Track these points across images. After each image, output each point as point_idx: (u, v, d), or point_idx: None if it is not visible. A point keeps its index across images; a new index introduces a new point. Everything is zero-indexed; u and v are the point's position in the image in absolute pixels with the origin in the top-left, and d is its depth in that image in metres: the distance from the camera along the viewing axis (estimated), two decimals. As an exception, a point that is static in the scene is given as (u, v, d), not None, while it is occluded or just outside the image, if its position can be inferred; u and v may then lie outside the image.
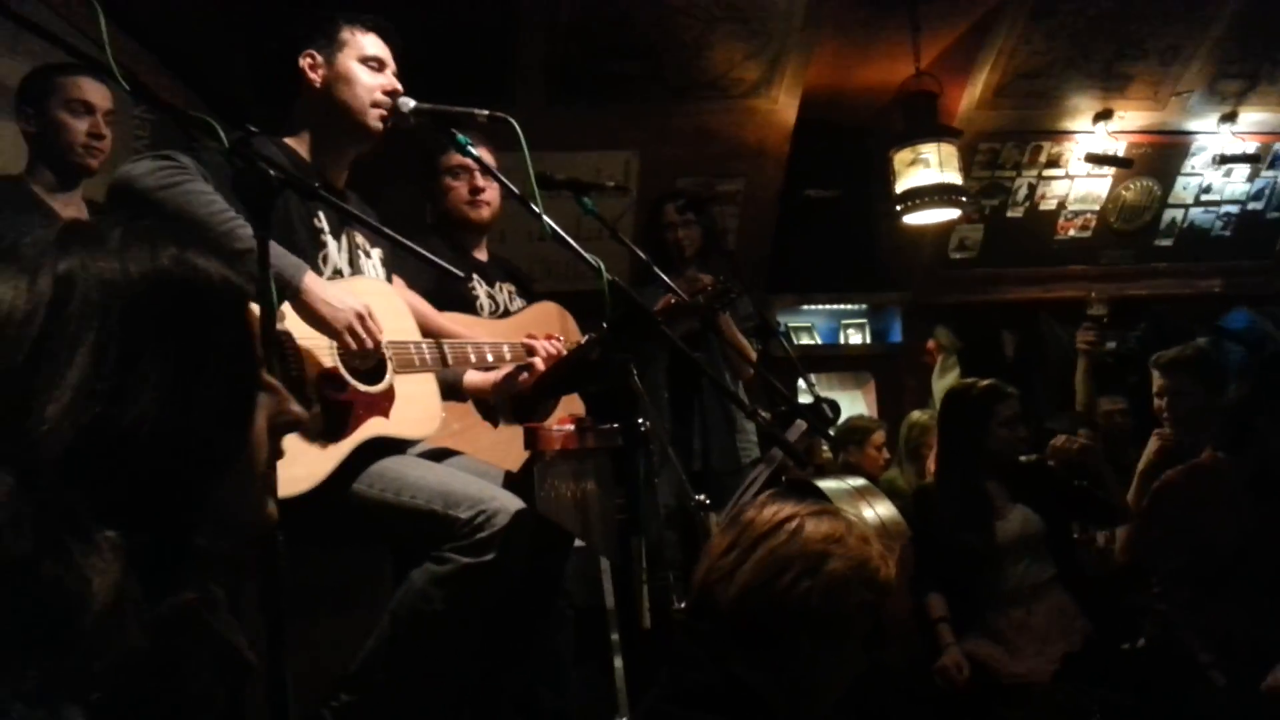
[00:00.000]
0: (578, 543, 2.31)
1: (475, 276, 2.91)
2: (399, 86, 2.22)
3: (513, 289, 3.02)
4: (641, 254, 2.90)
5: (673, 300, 2.90)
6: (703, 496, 2.20)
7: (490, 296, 2.92)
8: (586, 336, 2.46)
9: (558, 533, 2.15)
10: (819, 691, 1.48)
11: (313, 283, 1.92)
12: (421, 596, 1.97)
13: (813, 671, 1.45)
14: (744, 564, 1.43)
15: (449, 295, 2.70)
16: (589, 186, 2.58)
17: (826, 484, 3.68)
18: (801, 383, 5.85)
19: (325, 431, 1.95)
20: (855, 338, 6.07)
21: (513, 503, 2.04)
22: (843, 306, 6.03)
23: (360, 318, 1.94)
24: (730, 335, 3.65)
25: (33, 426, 0.69)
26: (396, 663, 2.00)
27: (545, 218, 2.12)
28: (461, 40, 4.34)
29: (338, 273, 2.19)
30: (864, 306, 6.07)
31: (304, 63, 2.22)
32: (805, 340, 5.98)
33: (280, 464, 1.64)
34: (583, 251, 2.09)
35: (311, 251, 2.12)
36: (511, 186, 2.18)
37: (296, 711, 1.67)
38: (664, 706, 1.42)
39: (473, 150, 2.17)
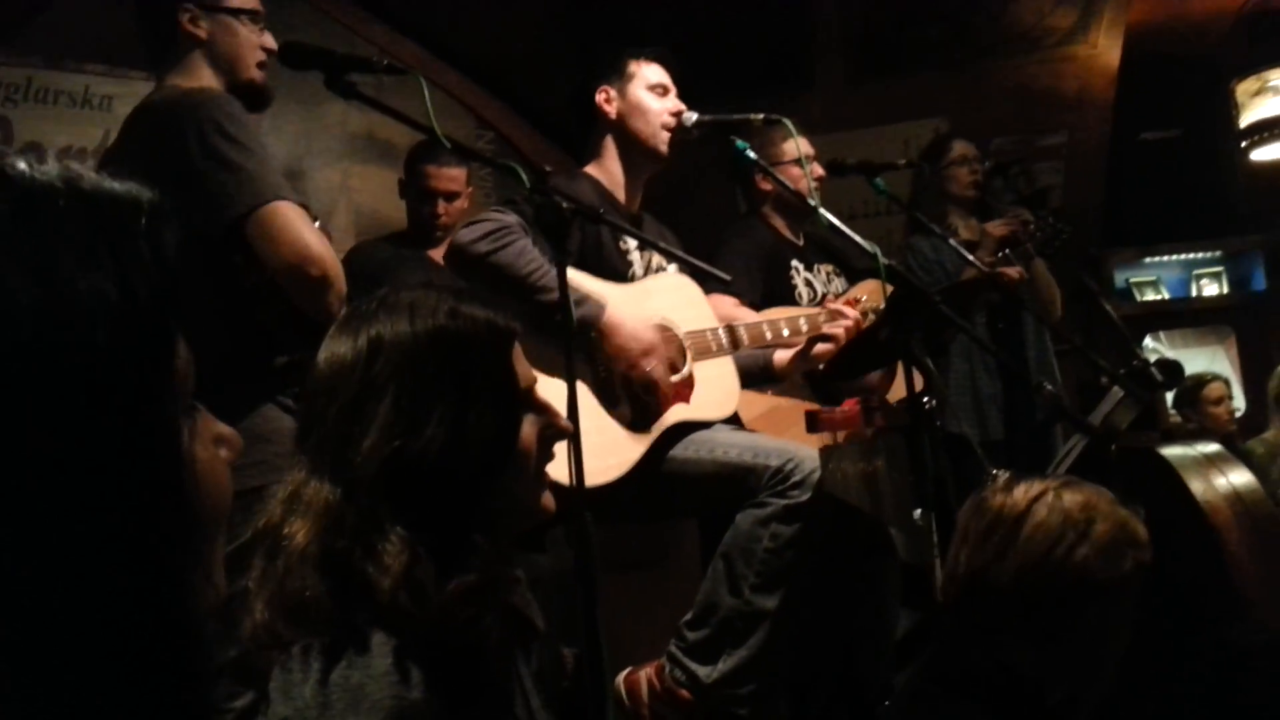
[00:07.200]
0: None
1: (794, 263, 3.01)
2: (682, 107, 2.43)
3: (831, 269, 3.09)
4: (936, 229, 2.93)
5: (971, 275, 2.88)
6: (999, 471, 2.22)
7: (808, 283, 3.01)
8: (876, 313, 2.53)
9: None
10: (1099, 664, 1.46)
11: (609, 320, 2.16)
12: (749, 536, 2.16)
13: (1097, 642, 1.44)
14: (1012, 545, 1.42)
15: (773, 286, 2.87)
16: (880, 167, 2.65)
17: (1171, 450, 3.46)
18: (1149, 341, 5.48)
19: (634, 422, 2.20)
20: (1210, 289, 5.55)
21: (818, 454, 2.19)
22: (1193, 255, 5.52)
23: (644, 356, 2.17)
24: (1043, 285, 3.48)
25: (353, 456, 0.96)
26: (734, 599, 2.18)
27: (821, 210, 2.24)
28: (757, 28, 4.48)
29: None
30: (1218, 254, 5.52)
31: (599, 98, 2.48)
32: (1150, 295, 5.56)
33: (596, 455, 1.91)
34: (857, 238, 2.18)
35: (619, 267, 2.38)
36: (785, 184, 2.32)
37: (617, 663, 1.92)
38: (927, 686, 1.48)
39: (750, 155, 2.32)
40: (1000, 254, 3.28)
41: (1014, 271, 3.21)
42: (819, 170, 2.94)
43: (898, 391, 2.54)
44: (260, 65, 2.03)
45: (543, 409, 1.10)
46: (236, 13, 1.98)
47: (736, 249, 2.95)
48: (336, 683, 0.87)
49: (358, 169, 4.03)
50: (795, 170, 2.80)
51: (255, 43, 2.00)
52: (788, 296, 2.92)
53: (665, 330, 2.31)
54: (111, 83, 3.50)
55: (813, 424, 2.13)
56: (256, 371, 1.84)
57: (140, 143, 1.87)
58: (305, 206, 1.87)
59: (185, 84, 1.94)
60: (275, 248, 1.79)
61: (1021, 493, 1.45)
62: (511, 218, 2.18)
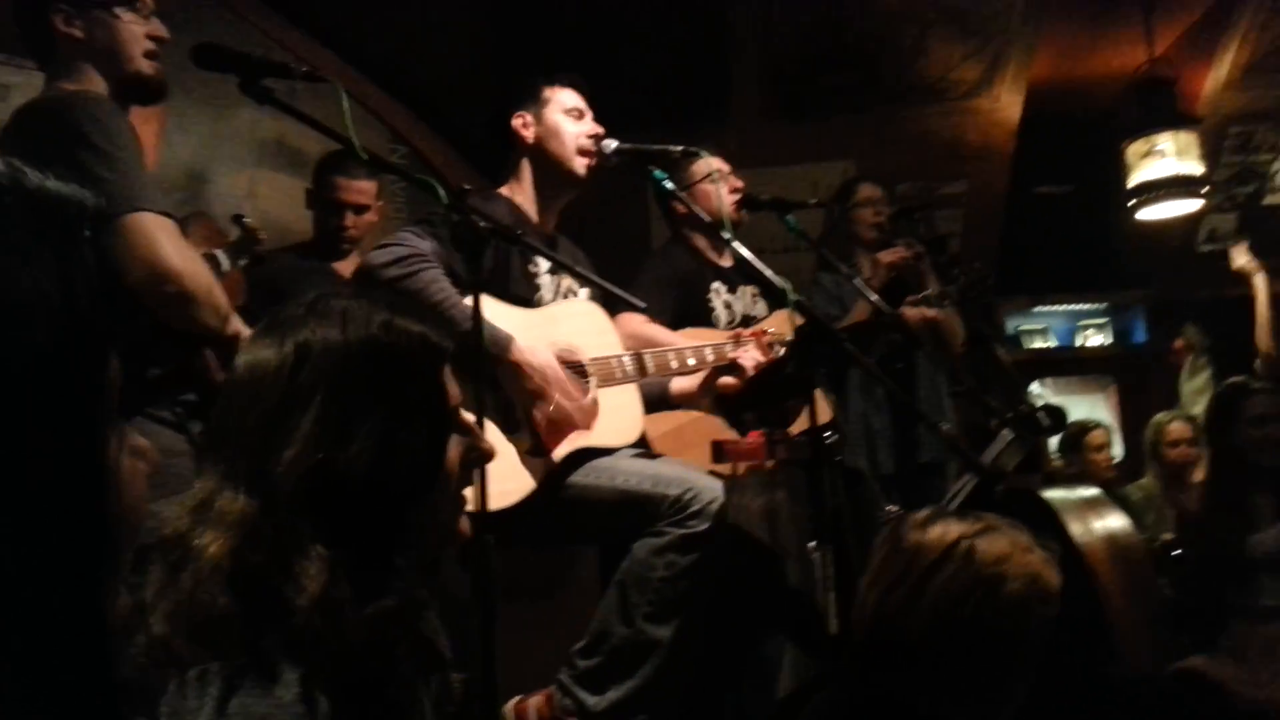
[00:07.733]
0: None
1: (715, 284, 3.02)
2: (600, 130, 2.44)
3: (755, 292, 3.09)
4: (843, 268, 3.00)
5: (865, 315, 2.96)
6: (894, 507, 2.27)
7: (728, 305, 3.02)
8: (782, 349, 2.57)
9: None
10: (998, 707, 1.46)
11: (515, 359, 2.15)
12: (644, 565, 2.15)
13: (997, 688, 1.45)
14: (921, 599, 1.41)
15: (688, 308, 2.89)
16: (792, 205, 2.70)
17: (1053, 494, 3.58)
18: (1035, 387, 5.69)
19: (535, 447, 2.19)
20: (1095, 339, 5.81)
21: (719, 484, 2.20)
22: (1080, 306, 5.78)
23: (549, 390, 2.17)
24: (950, 327, 3.57)
25: (273, 467, 0.91)
26: (626, 627, 2.16)
27: (735, 244, 2.27)
28: (676, 65, 4.54)
29: None
30: (1104, 305, 5.79)
31: (516, 123, 2.49)
32: (1039, 344, 5.79)
33: (496, 479, 1.89)
34: (768, 271, 2.21)
35: (527, 292, 2.37)
36: (702, 216, 2.35)
37: (509, 690, 1.90)
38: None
39: (667, 186, 2.34)
40: (928, 295, 3.36)
41: (931, 313, 3.30)
42: (736, 183, 2.99)
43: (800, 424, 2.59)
44: (150, 55, 1.92)
45: (467, 430, 1.07)
46: (109, 5, 1.88)
47: (650, 270, 2.98)
48: (235, 712, 0.82)
49: (266, 176, 3.93)
50: (709, 187, 2.84)
51: (138, 32, 1.90)
52: (704, 318, 2.94)
53: (571, 357, 2.30)
54: (8, 71, 3.36)
55: (718, 454, 2.15)
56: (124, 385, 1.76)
57: (23, 145, 1.77)
58: (171, 215, 1.78)
59: (68, 87, 1.85)
60: (127, 262, 1.69)
61: (937, 536, 1.42)
62: (426, 244, 2.15)
